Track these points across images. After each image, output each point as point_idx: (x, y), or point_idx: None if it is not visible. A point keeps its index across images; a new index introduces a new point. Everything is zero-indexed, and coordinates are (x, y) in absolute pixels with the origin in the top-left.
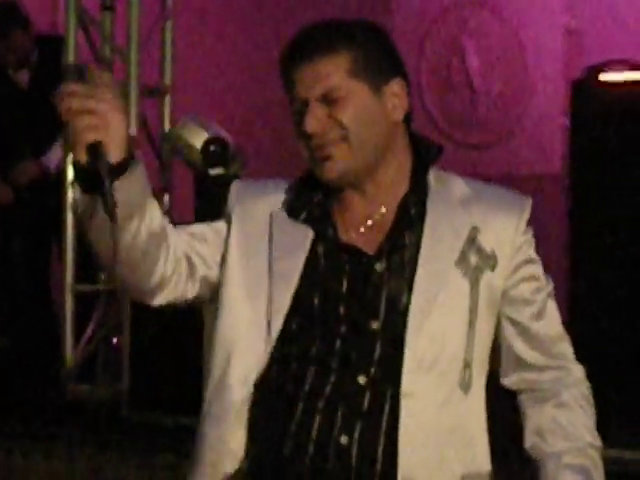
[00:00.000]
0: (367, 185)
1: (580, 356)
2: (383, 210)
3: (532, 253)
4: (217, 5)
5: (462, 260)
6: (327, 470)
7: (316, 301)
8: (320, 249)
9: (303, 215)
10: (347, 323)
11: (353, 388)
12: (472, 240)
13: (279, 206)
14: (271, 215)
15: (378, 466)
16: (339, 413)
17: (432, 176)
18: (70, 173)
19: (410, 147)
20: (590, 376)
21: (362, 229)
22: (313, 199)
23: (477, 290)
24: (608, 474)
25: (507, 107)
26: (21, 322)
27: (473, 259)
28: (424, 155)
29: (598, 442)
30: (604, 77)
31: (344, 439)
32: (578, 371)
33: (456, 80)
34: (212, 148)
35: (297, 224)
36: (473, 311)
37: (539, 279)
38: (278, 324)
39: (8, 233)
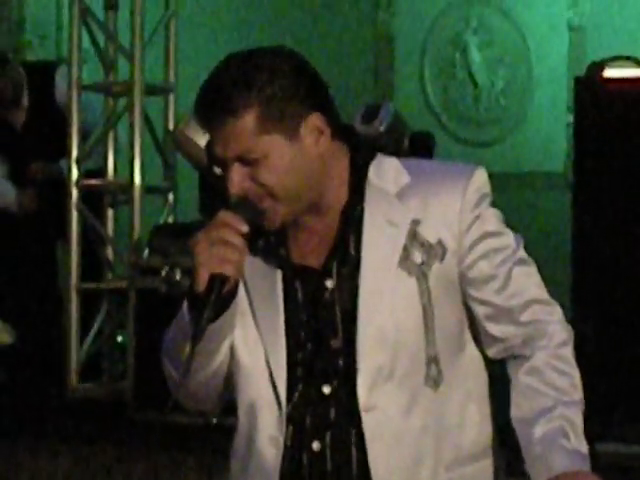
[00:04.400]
0: (313, 209)
1: (583, 349)
2: (329, 221)
3: (490, 226)
4: (221, 3)
5: (405, 258)
6: (303, 476)
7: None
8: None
9: (261, 244)
10: (310, 344)
11: (319, 397)
12: (413, 234)
13: None
14: None
15: (354, 471)
16: (307, 421)
17: (372, 171)
18: (75, 173)
19: (347, 154)
20: (593, 371)
21: (313, 243)
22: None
23: (427, 285)
24: (611, 468)
25: (510, 104)
26: (27, 320)
27: (417, 255)
28: (361, 155)
29: (571, 396)
30: (608, 73)
31: (316, 445)
32: (555, 332)
33: (459, 76)
34: None
35: (260, 260)
36: (427, 306)
37: (502, 250)
38: (282, 383)
39: (16, 233)
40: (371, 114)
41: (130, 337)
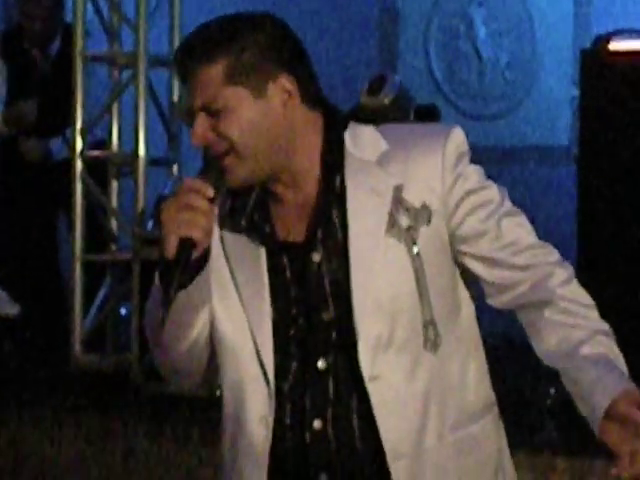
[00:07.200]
0: (283, 176)
1: None
2: (308, 193)
3: (471, 183)
4: None
5: (392, 225)
6: (307, 455)
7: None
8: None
9: (243, 222)
10: (301, 318)
11: (315, 374)
12: (398, 200)
13: (222, 223)
14: (221, 239)
15: (358, 446)
16: (307, 398)
17: (348, 140)
18: (79, 144)
19: (320, 121)
20: None
21: (296, 218)
22: (248, 201)
23: (417, 249)
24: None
25: (515, 77)
26: (30, 293)
27: (403, 220)
28: (333, 123)
29: (603, 325)
30: (614, 46)
31: (317, 423)
32: (559, 272)
33: (464, 50)
34: None
35: (243, 238)
36: (419, 270)
37: (487, 205)
38: (270, 359)
39: (15, 208)
40: (377, 86)
41: (134, 309)
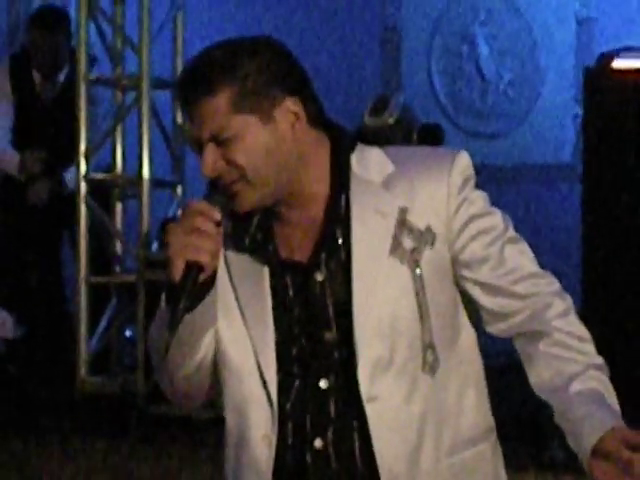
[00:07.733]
0: (290, 199)
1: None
2: (313, 214)
3: (476, 208)
4: None
5: (396, 247)
6: (308, 475)
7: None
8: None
9: (247, 242)
10: (304, 338)
11: (316, 393)
12: (402, 222)
13: (226, 243)
14: (225, 258)
15: (358, 466)
16: (308, 417)
17: (354, 162)
18: (83, 167)
19: (327, 142)
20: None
21: (300, 238)
22: (251, 221)
23: (420, 272)
24: None
25: (518, 96)
26: (34, 315)
27: (407, 242)
28: (341, 145)
29: (597, 360)
30: (617, 64)
31: (318, 442)
32: (558, 302)
33: (467, 69)
34: None
35: (247, 257)
36: (420, 293)
37: (490, 231)
38: (273, 379)
39: (20, 230)
40: (380, 106)
41: (139, 331)
